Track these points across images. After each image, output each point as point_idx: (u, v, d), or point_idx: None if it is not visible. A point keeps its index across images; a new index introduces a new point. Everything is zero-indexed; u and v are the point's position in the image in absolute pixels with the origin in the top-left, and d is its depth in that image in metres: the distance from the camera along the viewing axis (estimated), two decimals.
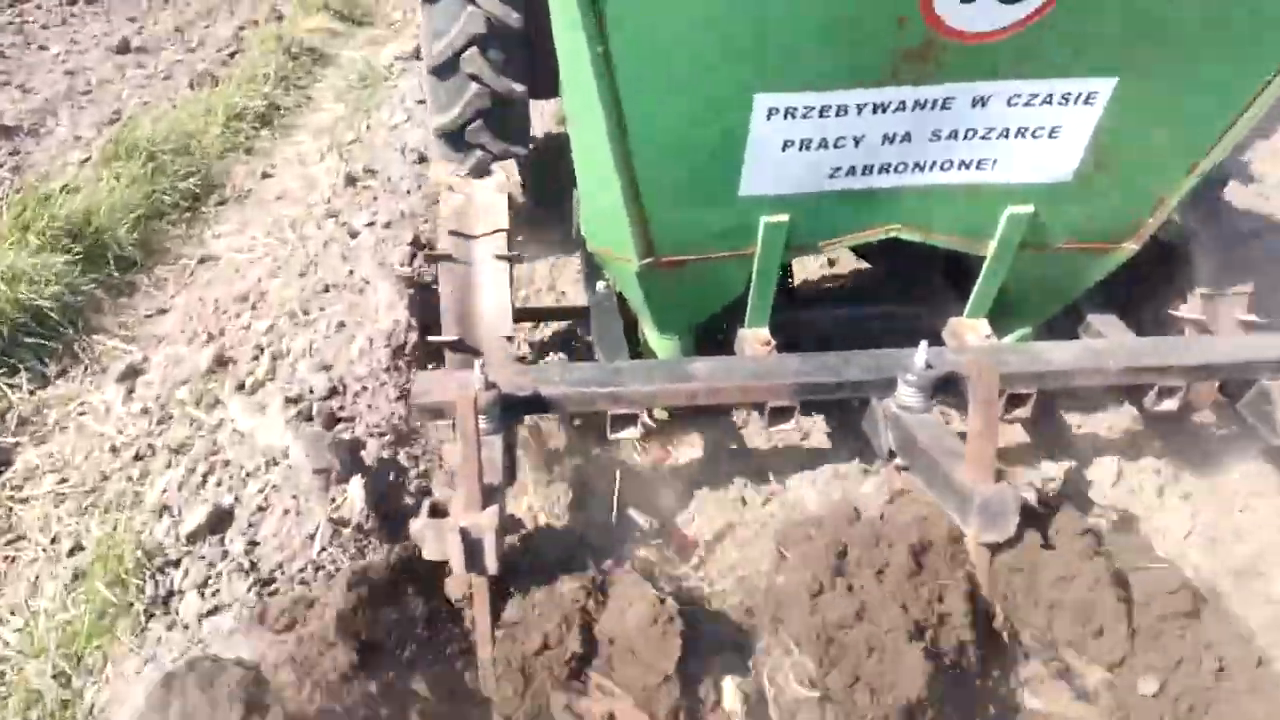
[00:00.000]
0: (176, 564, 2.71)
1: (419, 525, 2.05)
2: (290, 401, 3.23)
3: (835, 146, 2.32)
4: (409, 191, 4.98)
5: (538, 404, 2.47)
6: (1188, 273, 2.94)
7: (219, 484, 2.98)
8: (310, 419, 3.18)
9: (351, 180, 5.36)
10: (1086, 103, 2.30)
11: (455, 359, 2.83)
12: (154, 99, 6.98)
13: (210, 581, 2.65)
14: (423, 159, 5.39)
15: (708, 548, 2.82)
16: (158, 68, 7.77)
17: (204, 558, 2.70)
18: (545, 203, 4.43)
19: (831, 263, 4.06)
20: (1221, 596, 2.37)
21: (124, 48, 8.10)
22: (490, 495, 2.11)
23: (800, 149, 2.30)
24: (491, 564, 1.99)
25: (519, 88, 3.76)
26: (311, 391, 3.32)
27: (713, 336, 3.01)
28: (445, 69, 3.71)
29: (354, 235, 4.57)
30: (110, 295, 4.45)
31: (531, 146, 4.16)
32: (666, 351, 3.02)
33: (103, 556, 2.72)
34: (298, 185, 5.73)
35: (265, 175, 5.98)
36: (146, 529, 2.84)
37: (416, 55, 7.39)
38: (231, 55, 8.10)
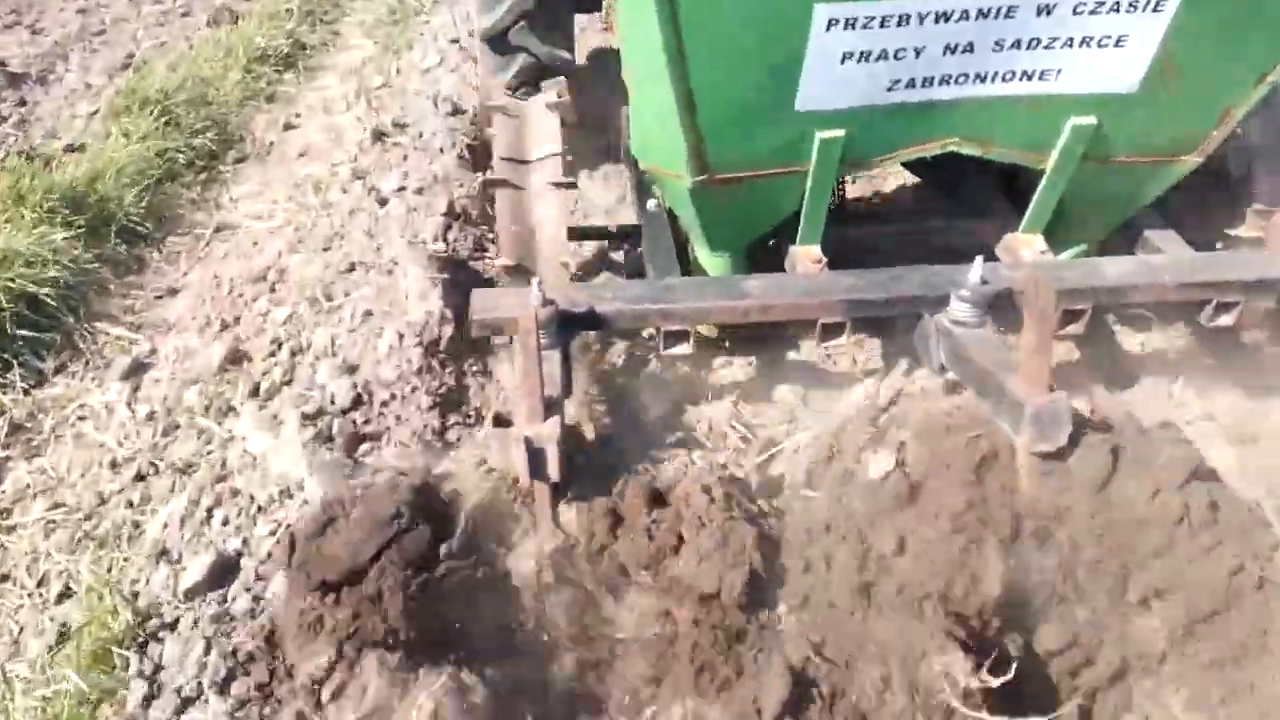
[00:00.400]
0: (173, 626, 2.38)
1: (484, 434, 2.13)
2: (308, 419, 2.89)
3: (895, 58, 2.29)
4: (442, 150, 4.50)
5: (593, 320, 2.52)
6: (1244, 187, 2.89)
7: (224, 523, 2.69)
8: (330, 440, 2.83)
9: (380, 135, 4.95)
10: (1155, 10, 2.24)
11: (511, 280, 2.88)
12: (171, 39, 6.64)
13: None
14: (457, 110, 4.92)
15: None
16: (176, 3, 7.43)
17: (198, 623, 2.36)
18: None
19: (885, 181, 4.02)
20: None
21: None
22: (550, 407, 2.18)
23: (859, 61, 2.28)
24: (554, 472, 2.07)
25: None
26: (333, 403, 2.98)
27: (764, 254, 3.02)
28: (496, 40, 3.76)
29: (383, 203, 4.21)
30: (116, 273, 4.08)
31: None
32: (718, 269, 3.03)
33: (90, 619, 2.43)
34: (322, 138, 5.35)
35: (288, 126, 5.58)
36: (143, 577, 2.57)
37: None
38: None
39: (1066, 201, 2.75)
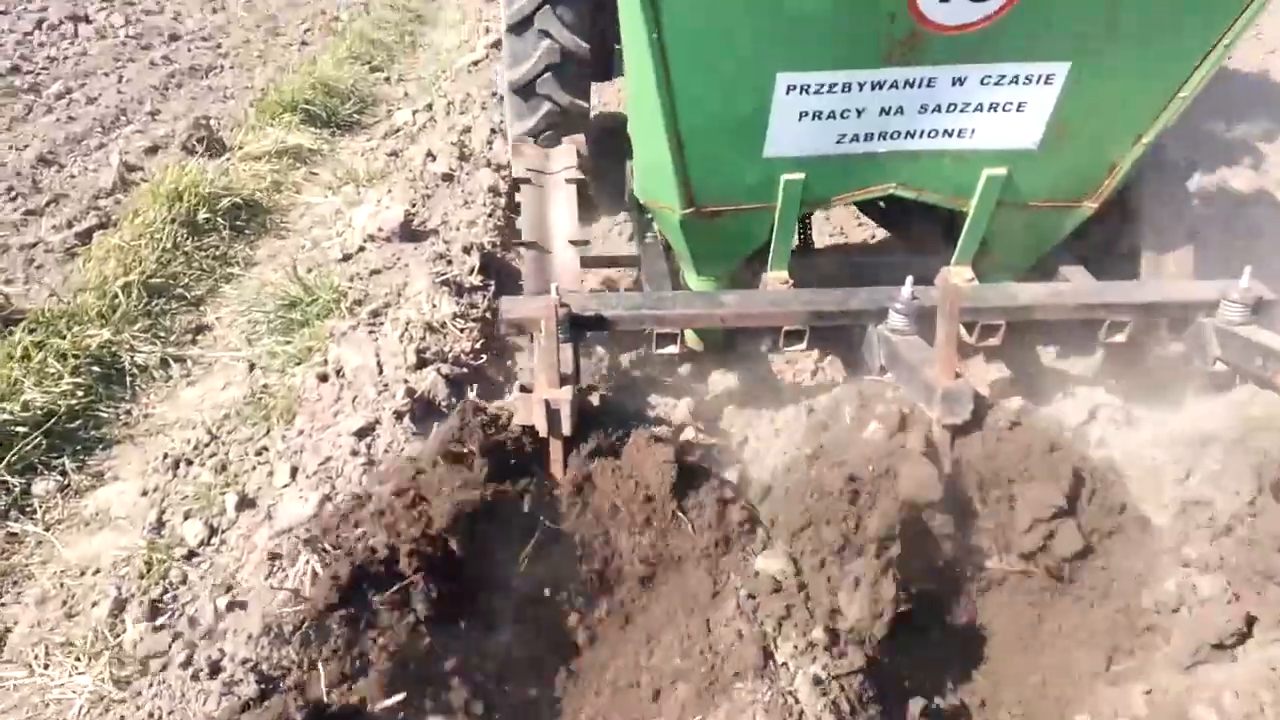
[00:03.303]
0: None
1: (511, 398, 2.68)
2: None
3: (841, 117, 2.90)
4: None
5: (599, 322, 3.09)
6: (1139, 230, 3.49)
7: None
8: None
9: None
10: (1046, 83, 2.86)
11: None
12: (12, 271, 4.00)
13: None
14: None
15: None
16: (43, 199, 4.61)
17: None
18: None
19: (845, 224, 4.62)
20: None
21: None
22: (564, 381, 2.73)
23: (813, 118, 2.89)
24: (567, 427, 2.61)
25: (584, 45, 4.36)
26: None
27: (743, 283, 3.60)
28: (524, 90, 4.42)
29: None
30: None
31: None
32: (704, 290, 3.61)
33: None
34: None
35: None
36: None
37: (407, 230, 4.83)
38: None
39: (989, 240, 3.34)
